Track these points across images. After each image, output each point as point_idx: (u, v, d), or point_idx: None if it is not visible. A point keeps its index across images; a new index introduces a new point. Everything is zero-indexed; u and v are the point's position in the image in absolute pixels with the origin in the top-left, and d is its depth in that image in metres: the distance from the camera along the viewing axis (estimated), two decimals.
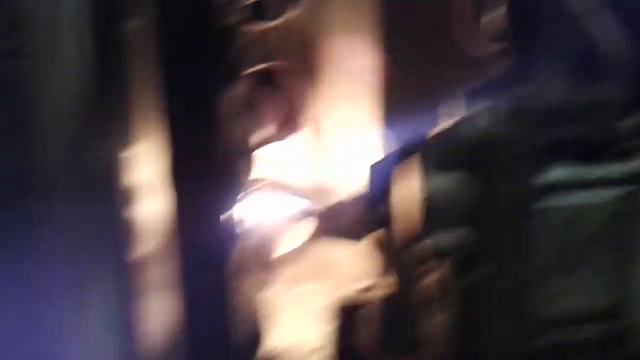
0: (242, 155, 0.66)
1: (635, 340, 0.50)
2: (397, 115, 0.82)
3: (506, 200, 0.49)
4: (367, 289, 0.81)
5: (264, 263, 0.75)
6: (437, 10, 0.75)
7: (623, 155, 0.48)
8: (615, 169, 0.49)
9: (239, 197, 0.65)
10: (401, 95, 0.82)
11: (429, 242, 0.52)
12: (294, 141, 0.81)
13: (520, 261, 0.50)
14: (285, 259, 0.83)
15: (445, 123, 0.56)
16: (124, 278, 0.55)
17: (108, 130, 0.51)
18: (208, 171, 0.52)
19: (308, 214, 0.79)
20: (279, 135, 0.79)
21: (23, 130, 0.48)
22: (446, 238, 0.51)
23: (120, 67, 0.52)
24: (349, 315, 0.80)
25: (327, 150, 0.85)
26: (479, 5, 0.59)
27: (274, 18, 0.79)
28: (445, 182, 0.51)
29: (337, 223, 0.73)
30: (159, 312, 0.61)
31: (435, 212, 0.51)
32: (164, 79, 0.50)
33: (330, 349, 0.76)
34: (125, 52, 0.52)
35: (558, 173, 0.49)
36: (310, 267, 0.88)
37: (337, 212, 0.77)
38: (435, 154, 0.51)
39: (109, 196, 0.51)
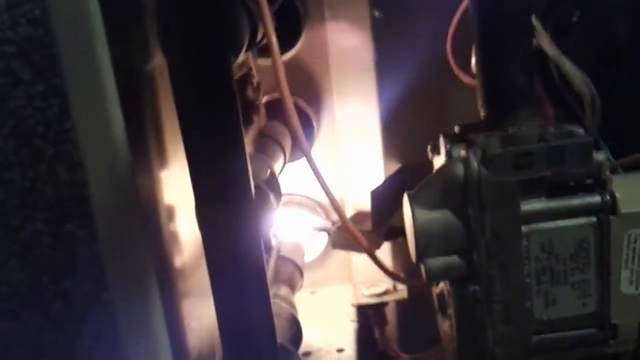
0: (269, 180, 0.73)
1: (614, 341, 0.57)
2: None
3: (490, 230, 0.55)
4: (384, 292, 0.88)
5: (291, 270, 0.82)
6: (436, 38, 0.80)
7: (591, 188, 0.55)
8: (584, 201, 0.55)
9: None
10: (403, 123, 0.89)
11: (421, 266, 0.59)
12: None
13: (509, 278, 0.56)
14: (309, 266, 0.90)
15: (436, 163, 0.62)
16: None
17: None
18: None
19: (324, 227, 0.86)
20: (294, 157, 0.86)
21: None
22: (436, 263, 0.58)
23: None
24: (368, 316, 0.88)
25: (337, 169, 0.92)
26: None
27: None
28: (435, 216, 0.57)
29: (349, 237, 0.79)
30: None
31: (424, 241, 0.57)
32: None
33: (351, 348, 0.83)
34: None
35: (535, 205, 0.55)
36: (331, 272, 0.96)
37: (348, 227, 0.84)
38: (426, 193, 0.57)
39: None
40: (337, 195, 0.94)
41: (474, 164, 0.55)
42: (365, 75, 0.92)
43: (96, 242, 0.65)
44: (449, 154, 0.60)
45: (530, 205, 0.55)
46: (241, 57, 0.62)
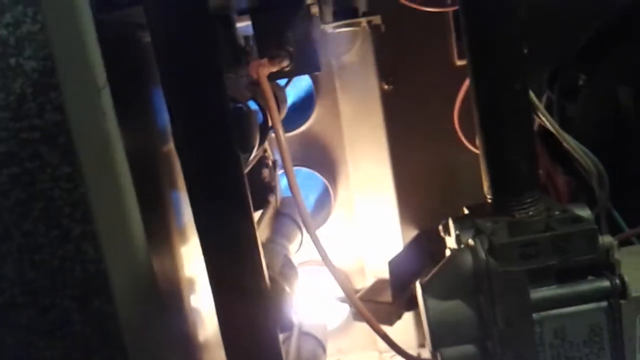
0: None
1: None
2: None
3: (502, 319, 0.56)
4: None
5: (314, 347, 0.83)
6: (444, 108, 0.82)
7: (600, 272, 0.55)
8: (594, 286, 0.55)
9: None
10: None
11: (437, 355, 0.60)
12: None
13: None
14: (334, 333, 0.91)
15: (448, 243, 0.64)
16: None
17: None
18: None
19: (345, 299, 0.87)
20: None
21: None
22: (452, 352, 0.59)
23: None
24: None
25: (357, 236, 0.93)
26: None
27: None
28: (448, 306, 0.58)
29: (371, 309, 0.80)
30: None
31: (438, 332, 0.58)
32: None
33: None
34: None
35: (545, 292, 0.56)
36: (356, 339, 0.96)
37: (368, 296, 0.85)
38: (438, 283, 0.58)
39: None
40: (358, 263, 0.96)
41: (482, 254, 0.56)
42: (378, 142, 0.94)
43: (119, 317, 0.67)
44: (458, 241, 0.61)
45: (540, 293, 0.56)
46: (254, 154, 0.65)
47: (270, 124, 0.69)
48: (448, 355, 0.58)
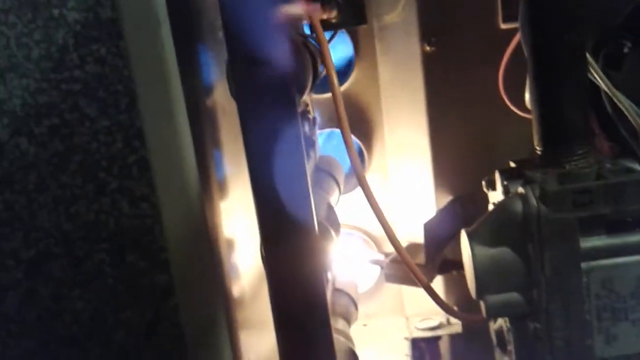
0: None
1: None
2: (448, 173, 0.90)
3: (551, 267, 0.55)
4: (437, 326, 0.88)
5: (347, 303, 0.82)
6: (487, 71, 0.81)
7: None
8: None
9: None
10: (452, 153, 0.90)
11: (481, 303, 0.60)
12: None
13: (570, 315, 0.56)
14: (361, 297, 0.91)
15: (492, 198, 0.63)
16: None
17: None
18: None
19: (378, 261, 0.87)
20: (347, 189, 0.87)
21: None
22: (496, 300, 0.58)
23: None
24: (422, 350, 0.88)
25: (389, 200, 0.93)
26: None
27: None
28: (494, 253, 0.58)
29: (402, 270, 0.80)
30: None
31: (483, 279, 0.58)
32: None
33: None
34: None
35: (594, 242, 0.55)
36: (383, 304, 0.96)
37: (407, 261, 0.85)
38: (484, 230, 0.58)
39: None
40: None
41: (533, 200, 0.56)
42: (417, 107, 0.93)
43: (160, 272, 0.67)
44: (506, 190, 0.60)
45: (589, 242, 0.55)
46: (305, 97, 0.64)
47: (320, 70, 0.69)
48: (492, 302, 0.58)
